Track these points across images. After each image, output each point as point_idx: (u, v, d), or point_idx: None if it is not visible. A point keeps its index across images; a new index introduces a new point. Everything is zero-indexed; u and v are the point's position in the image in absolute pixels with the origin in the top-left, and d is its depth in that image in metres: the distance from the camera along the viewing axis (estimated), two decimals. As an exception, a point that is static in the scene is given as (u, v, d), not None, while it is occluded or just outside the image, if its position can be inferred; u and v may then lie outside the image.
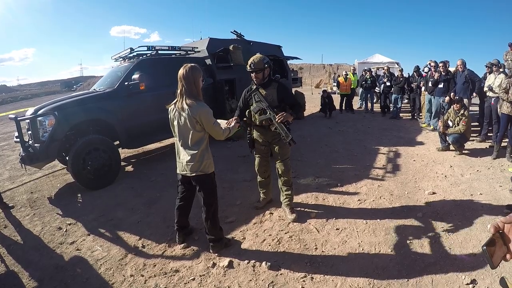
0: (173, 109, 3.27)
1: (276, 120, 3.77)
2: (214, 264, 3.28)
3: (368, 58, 21.79)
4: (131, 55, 7.49)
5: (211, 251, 3.51)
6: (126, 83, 6.21)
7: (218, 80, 8.35)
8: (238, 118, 3.83)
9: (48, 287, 3.08)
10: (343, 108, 13.92)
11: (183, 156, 3.31)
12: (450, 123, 6.98)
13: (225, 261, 3.31)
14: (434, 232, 3.76)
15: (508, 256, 1.01)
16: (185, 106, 3.12)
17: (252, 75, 4.01)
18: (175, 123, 3.26)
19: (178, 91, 3.20)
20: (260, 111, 4.02)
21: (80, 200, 5.15)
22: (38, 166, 5.57)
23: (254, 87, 4.09)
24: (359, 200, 4.73)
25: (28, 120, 5.29)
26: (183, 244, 3.64)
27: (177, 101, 3.23)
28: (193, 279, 3.08)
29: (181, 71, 3.17)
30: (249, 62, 3.97)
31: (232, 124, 3.65)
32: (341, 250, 3.48)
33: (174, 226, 3.78)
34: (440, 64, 9.08)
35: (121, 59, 7.84)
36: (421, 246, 3.49)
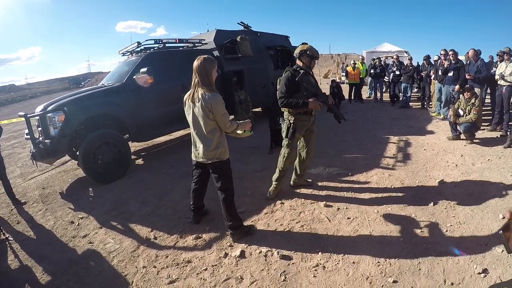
0: (188, 99, 3.33)
1: (329, 102, 4.09)
2: (226, 254, 3.30)
3: (376, 47, 21.56)
4: (139, 49, 7.49)
5: (230, 238, 3.57)
6: (134, 77, 6.22)
7: (226, 72, 8.33)
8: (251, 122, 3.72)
9: (61, 280, 3.12)
10: (352, 97, 13.84)
11: (199, 145, 3.38)
12: (461, 112, 6.90)
13: (237, 251, 3.33)
14: (445, 221, 3.73)
15: None
16: (199, 96, 3.18)
17: (312, 61, 4.26)
18: (190, 113, 3.32)
19: (192, 82, 3.27)
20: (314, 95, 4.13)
21: (92, 194, 5.20)
22: (49, 162, 5.62)
23: (302, 71, 4.16)
24: (370, 189, 4.72)
25: (38, 117, 5.33)
26: (194, 235, 3.67)
27: (191, 91, 3.29)
28: (205, 269, 3.10)
29: (195, 63, 3.23)
30: (314, 51, 4.19)
31: (247, 125, 3.61)
32: (353, 239, 3.48)
33: (189, 210, 4.03)
34: (450, 52, 8.97)
35: (128, 53, 7.84)
36: (433, 235, 3.47)
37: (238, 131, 3.50)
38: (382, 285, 2.77)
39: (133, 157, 6.81)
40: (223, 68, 8.30)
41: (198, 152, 3.43)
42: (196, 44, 8.32)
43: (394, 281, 2.79)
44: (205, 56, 3.30)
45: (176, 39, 7.91)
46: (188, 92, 3.35)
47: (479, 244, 3.25)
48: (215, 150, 3.34)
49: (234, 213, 3.57)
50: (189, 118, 3.37)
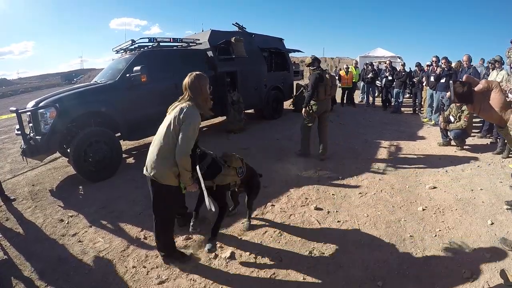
0: (171, 107, 3.10)
1: None
2: (216, 256, 3.29)
3: (370, 52, 21.71)
4: (133, 47, 7.46)
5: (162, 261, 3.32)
6: (127, 75, 6.19)
7: (219, 72, 8.33)
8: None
9: (50, 278, 3.09)
10: (344, 101, 13.88)
11: (149, 153, 3.08)
12: (452, 119, 6.97)
13: (227, 252, 3.32)
14: (434, 226, 3.78)
15: None
16: (182, 106, 2.94)
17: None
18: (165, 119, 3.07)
19: (181, 96, 3.07)
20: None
21: (82, 192, 5.16)
22: (39, 159, 5.57)
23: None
24: (360, 193, 4.75)
25: (29, 113, 5.28)
26: (185, 236, 3.65)
27: (178, 101, 3.09)
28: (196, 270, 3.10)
29: (186, 80, 3.03)
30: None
31: (191, 186, 3.04)
32: (342, 242, 3.50)
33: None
34: (443, 61, 9.06)
35: (122, 51, 7.81)
36: (422, 239, 3.51)
37: (185, 177, 2.94)
38: (371, 289, 2.80)
39: (124, 155, 6.77)
40: (216, 68, 8.31)
41: (147, 161, 3.10)
42: (190, 44, 8.31)
43: (383, 285, 2.81)
44: (197, 72, 3.10)
45: (170, 38, 7.90)
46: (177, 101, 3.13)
47: (467, 249, 3.29)
48: (156, 164, 2.96)
49: (163, 241, 3.23)
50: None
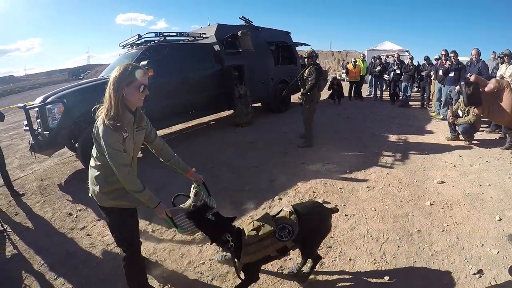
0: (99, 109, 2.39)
1: None
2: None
3: (377, 45, 21.54)
4: (139, 41, 7.47)
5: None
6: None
7: (226, 66, 8.32)
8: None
9: (59, 272, 3.13)
10: (352, 95, 13.82)
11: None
12: (460, 113, 6.90)
13: (234, 246, 3.33)
14: (442, 221, 3.75)
15: None
16: (100, 117, 2.27)
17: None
18: None
19: None
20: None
21: (90, 187, 5.19)
22: (48, 154, 5.62)
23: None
24: (367, 187, 4.73)
25: (37, 108, 5.32)
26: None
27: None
28: (203, 263, 3.12)
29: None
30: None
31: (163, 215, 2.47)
32: (350, 236, 3.49)
33: None
34: (451, 55, 8.96)
35: (129, 46, 7.83)
36: (429, 234, 3.49)
37: (142, 199, 2.44)
38: (378, 283, 2.79)
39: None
40: (223, 62, 8.31)
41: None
42: (197, 38, 8.31)
43: (390, 279, 2.81)
44: (129, 64, 2.26)
45: (176, 32, 7.90)
46: None
47: (475, 245, 3.26)
48: (91, 184, 2.50)
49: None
50: None
